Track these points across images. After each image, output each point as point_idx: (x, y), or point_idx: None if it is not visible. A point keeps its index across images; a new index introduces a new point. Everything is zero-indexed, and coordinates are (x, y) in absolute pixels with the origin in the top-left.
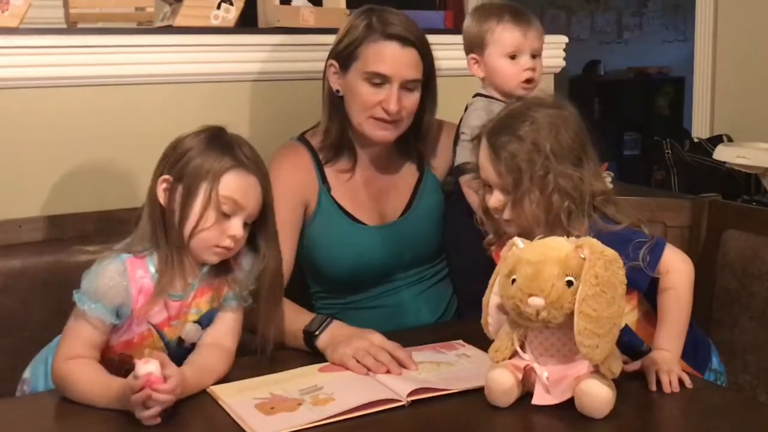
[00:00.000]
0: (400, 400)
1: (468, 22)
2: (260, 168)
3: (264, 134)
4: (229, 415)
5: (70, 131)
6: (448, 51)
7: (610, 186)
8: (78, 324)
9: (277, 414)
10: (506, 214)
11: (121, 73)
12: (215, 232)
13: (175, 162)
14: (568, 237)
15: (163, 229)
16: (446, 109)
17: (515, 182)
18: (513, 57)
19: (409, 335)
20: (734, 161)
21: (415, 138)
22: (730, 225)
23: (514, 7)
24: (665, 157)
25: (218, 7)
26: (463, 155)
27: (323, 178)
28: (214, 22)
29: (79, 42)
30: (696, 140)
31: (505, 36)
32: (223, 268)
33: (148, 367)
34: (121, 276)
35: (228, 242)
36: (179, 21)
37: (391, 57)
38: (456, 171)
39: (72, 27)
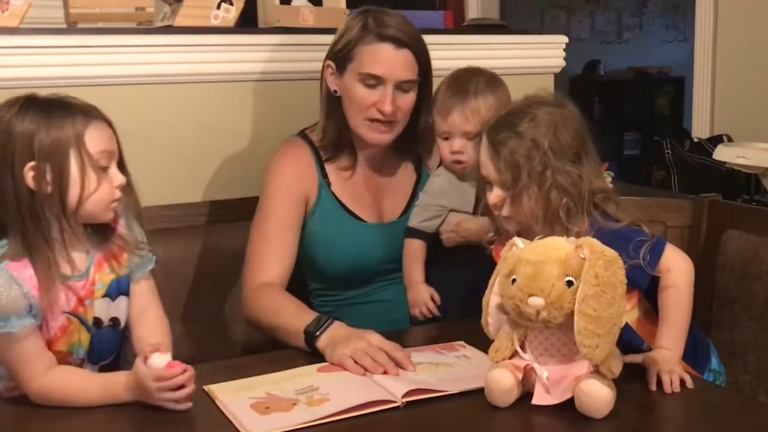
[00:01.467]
0: (395, 401)
1: (438, 92)
2: (98, 109)
3: (264, 134)
4: (224, 414)
5: None
6: (448, 51)
7: (610, 186)
8: (10, 349)
9: (272, 414)
10: (505, 211)
11: (121, 73)
12: (105, 189)
13: (25, 149)
14: (567, 234)
15: (36, 222)
16: None
17: (514, 178)
18: (446, 138)
19: (410, 336)
20: (734, 161)
21: (412, 138)
22: (730, 225)
23: (460, 82)
24: (665, 157)
25: (218, 7)
26: (416, 216)
27: (323, 174)
28: (214, 22)
29: (79, 42)
30: (696, 140)
31: (438, 118)
32: (103, 232)
33: (166, 357)
34: (10, 283)
35: (119, 193)
36: (179, 21)
37: (385, 58)
38: (407, 232)
39: (72, 27)
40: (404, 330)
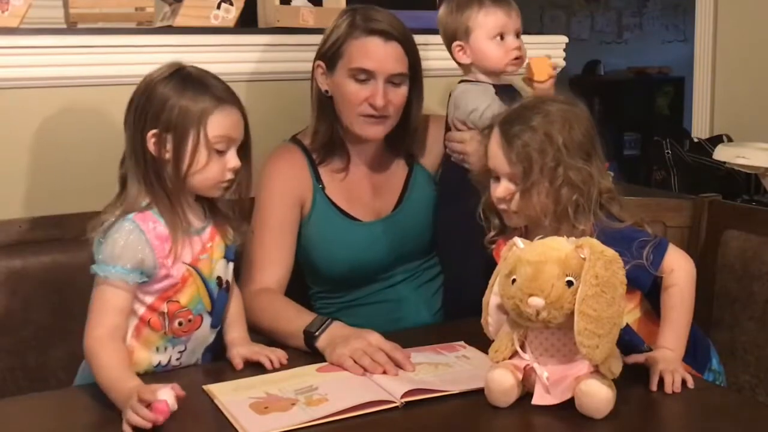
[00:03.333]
0: (394, 401)
1: (445, 13)
2: (234, 96)
3: (264, 134)
4: (223, 414)
5: (71, 131)
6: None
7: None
8: (101, 292)
9: (271, 414)
10: (514, 205)
11: (121, 73)
12: (216, 169)
13: (156, 114)
14: (573, 231)
15: (158, 180)
16: (444, 108)
17: (525, 172)
18: (500, 38)
19: (410, 336)
20: (734, 161)
21: (404, 133)
22: (730, 225)
23: None
24: (665, 157)
25: (218, 7)
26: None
27: (317, 177)
28: (214, 22)
29: (79, 42)
30: (696, 140)
31: (489, 19)
32: (216, 209)
33: (164, 394)
34: (134, 233)
35: (230, 175)
36: (179, 21)
37: (375, 52)
38: (446, 160)
39: (72, 27)
40: (404, 330)
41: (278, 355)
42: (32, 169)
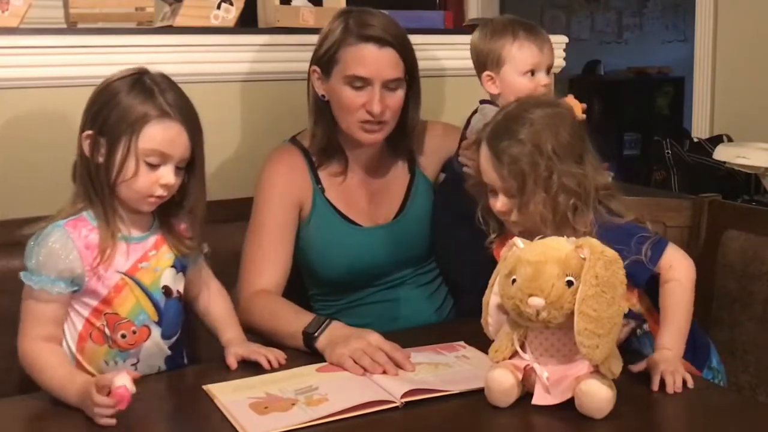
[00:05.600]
0: (394, 401)
1: (478, 38)
2: (183, 112)
3: (264, 134)
4: (223, 414)
5: (71, 131)
6: (448, 51)
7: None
8: (29, 303)
9: (270, 414)
10: (513, 217)
11: None
12: (145, 182)
13: (96, 113)
14: (575, 233)
15: (91, 183)
16: (445, 108)
17: (520, 187)
18: (531, 73)
19: (410, 336)
20: (734, 161)
21: (402, 135)
22: (730, 225)
23: (525, 23)
24: (665, 157)
25: (218, 7)
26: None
27: (317, 179)
28: (214, 22)
29: (79, 42)
30: (696, 140)
31: (523, 54)
32: (168, 222)
33: (122, 379)
34: (60, 242)
35: (160, 191)
36: (179, 21)
37: (370, 59)
38: (448, 165)
39: (72, 27)
40: (404, 330)
41: (276, 354)
42: (33, 168)
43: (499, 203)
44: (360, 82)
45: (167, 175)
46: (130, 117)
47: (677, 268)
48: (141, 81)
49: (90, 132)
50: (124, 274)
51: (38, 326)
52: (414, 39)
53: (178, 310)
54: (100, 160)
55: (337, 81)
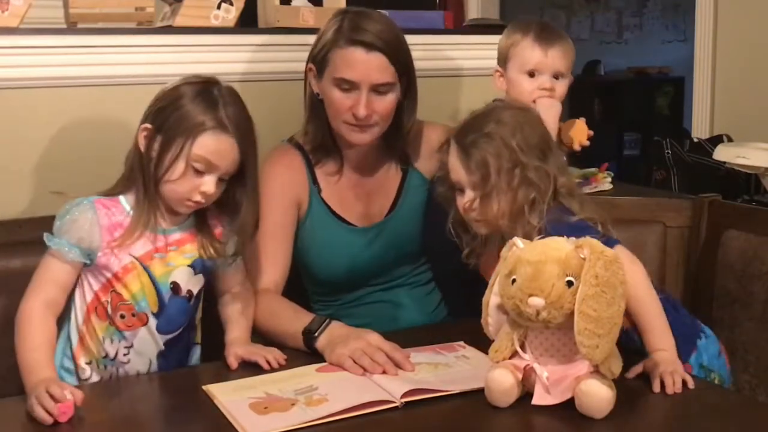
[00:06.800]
0: (393, 401)
1: (502, 36)
2: (240, 128)
3: (264, 134)
4: (223, 414)
5: (70, 131)
6: (448, 51)
7: (610, 186)
8: (45, 262)
9: (270, 414)
10: (475, 213)
11: (121, 73)
12: (187, 186)
13: (159, 111)
14: (527, 226)
15: (140, 174)
16: (445, 109)
17: (483, 177)
18: (531, 75)
19: (410, 336)
20: (734, 161)
21: (396, 137)
22: (730, 225)
23: (544, 25)
24: (665, 157)
25: (218, 7)
26: None
27: (314, 179)
28: (214, 22)
29: (79, 42)
30: (696, 140)
31: (525, 53)
32: (203, 222)
33: (72, 397)
34: (86, 214)
35: (199, 197)
36: (179, 21)
37: (357, 63)
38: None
39: (72, 27)
40: (404, 330)
41: (276, 355)
42: (32, 168)
43: (465, 199)
44: (347, 85)
45: (209, 183)
46: (190, 122)
47: (628, 273)
48: (208, 90)
49: (149, 126)
50: (136, 258)
51: (47, 286)
52: (414, 39)
53: (185, 309)
54: (153, 155)
55: (327, 82)
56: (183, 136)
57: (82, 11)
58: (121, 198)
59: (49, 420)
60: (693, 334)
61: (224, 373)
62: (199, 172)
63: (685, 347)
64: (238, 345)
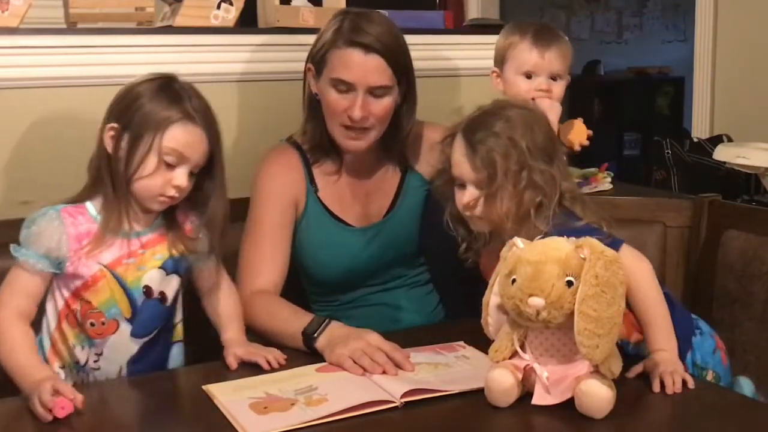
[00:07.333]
0: (393, 401)
1: (499, 36)
2: (207, 119)
3: (264, 134)
4: (223, 414)
5: (70, 131)
6: (448, 51)
7: (610, 186)
8: (13, 273)
9: (270, 414)
10: (478, 210)
11: (121, 73)
12: (159, 181)
13: (123, 110)
14: (533, 231)
15: (108, 176)
16: (445, 109)
17: (490, 176)
18: (528, 76)
19: (410, 336)
20: (734, 161)
21: (395, 139)
22: (730, 225)
23: (541, 26)
24: (665, 157)
25: (218, 7)
26: None
27: (311, 179)
28: (214, 22)
29: (79, 42)
30: (696, 140)
31: (522, 55)
32: (172, 220)
33: (73, 395)
34: (53, 223)
35: (172, 192)
36: (179, 21)
37: (354, 64)
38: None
39: (72, 27)
40: (404, 330)
41: (275, 355)
42: (32, 168)
43: (467, 196)
44: (344, 86)
45: (180, 176)
46: (157, 115)
47: (635, 273)
48: (170, 85)
49: (115, 125)
50: (104, 266)
51: (17, 296)
52: (414, 39)
53: (159, 312)
54: (122, 154)
55: (324, 82)
56: (152, 131)
57: (82, 11)
58: (88, 204)
59: (48, 417)
60: (688, 331)
61: (224, 373)
62: (170, 166)
63: (681, 346)
64: (236, 345)
